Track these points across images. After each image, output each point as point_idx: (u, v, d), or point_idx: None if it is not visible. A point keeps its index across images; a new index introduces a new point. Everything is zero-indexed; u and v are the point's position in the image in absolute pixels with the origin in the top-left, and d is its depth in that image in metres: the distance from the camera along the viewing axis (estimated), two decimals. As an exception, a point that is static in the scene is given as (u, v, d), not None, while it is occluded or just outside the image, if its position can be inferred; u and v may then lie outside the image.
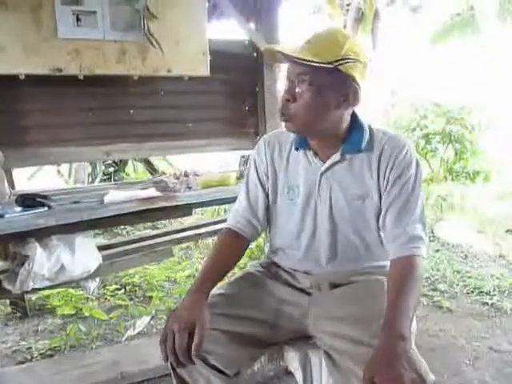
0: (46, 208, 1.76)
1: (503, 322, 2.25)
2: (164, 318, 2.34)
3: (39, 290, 1.84)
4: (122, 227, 3.97)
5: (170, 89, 2.46)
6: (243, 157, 2.34)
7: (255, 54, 2.67)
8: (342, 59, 0.98)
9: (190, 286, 1.10)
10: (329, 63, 0.97)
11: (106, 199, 1.89)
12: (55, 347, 2.08)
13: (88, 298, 2.53)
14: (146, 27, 2.09)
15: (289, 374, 1.54)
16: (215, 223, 2.77)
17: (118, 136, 2.39)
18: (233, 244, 1.20)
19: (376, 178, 1.08)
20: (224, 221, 2.76)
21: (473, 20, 7.36)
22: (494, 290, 2.61)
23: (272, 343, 1.15)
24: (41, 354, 2.04)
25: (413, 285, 0.98)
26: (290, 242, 1.19)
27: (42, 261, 1.64)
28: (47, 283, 1.74)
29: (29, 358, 2.03)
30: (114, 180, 4.74)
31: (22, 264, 1.66)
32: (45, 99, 2.21)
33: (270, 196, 1.20)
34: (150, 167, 4.99)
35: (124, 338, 2.17)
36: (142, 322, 2.29)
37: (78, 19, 1.98)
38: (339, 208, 1.12)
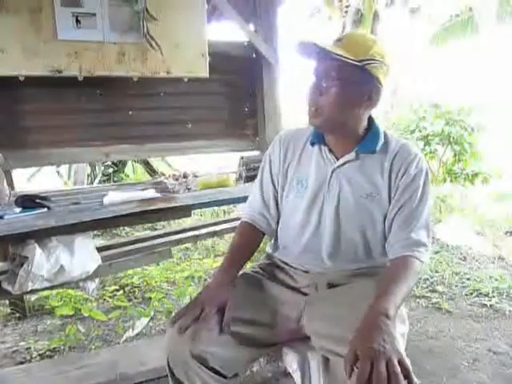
0: (45, 209, 1.77)
1: (502, 324, 2.25)
2: (163, 318, 2.35)
3: (38, 290, 1.84)
4: (122, 228, 3.97)
5: (170, 90, 2.47)
6: (242, 158, 2.34)
7: (254, 56, 2.68)
8: (369, 59, 1.03)
9: (216, 269, 1.20)
10: (358, 61, 1.01)
11: (106, 200, 1.89)
12: (54, 348, 2.08)
13: (87, 298, 2.53)
14: (145, 29, 2.09)
15: (287, 375, 1.53)
16: (214, 224, 2.77)
17: (117, 137, 2.40)
18: (250, 235, 1.26)
19: (387, 180, 1.11)
20: (223, 222, 2.80)
21: (472, 21, 7.37)
22: (493, 291, 2.61)
23: (270, 344, 1.16)
24: (40, 355, 2.04)
25: (404, 280, 1.02)
26: (293, 235, 1.21)
27: (41, 262, 1.64)
28: (46, 284, 1.74)
29: (28, 358, 2.03)
30: (114, 181, 4.74)
31: (22, 265, 1.66)
32: (44, 100, 2.22)
33: (279, 191, 1.24)
34: (149, 168, 5.00)
35: (123, 339, 2.17)
36: (140, 323, 2.29)
37: (77, 21, 1.99)
38: (346, 205, 1.14)
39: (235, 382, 1.10)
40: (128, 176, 5.13)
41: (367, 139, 1.13)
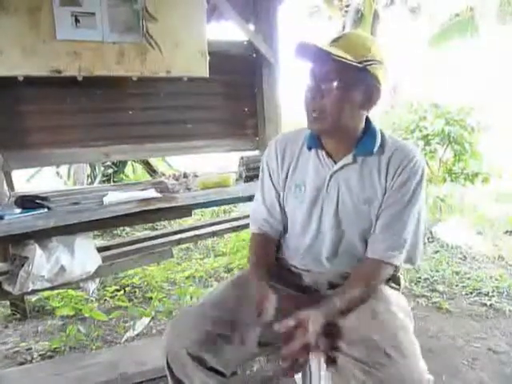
0: (45, 209, 1.77)
1: (502, 323, 2.26)
2: (164, 319, 2.34)
3: (39, 291, 1.85)
4: (122, 229, 3.97)
5: (170, 90, 2.47)
6: (242, 158, 2.34)
7: (254, 55, 2.68)
8: (370, 60, 1.01)
9: (251, 276, 1.18)
10: (359, 62, 0.99)
11: (106, 200, 1.89)
12: (55, 348, 2.08)
13: (88, 299, 2.53)
14: (144, 28, 2.09)
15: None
16: (214, 224, 2.78)
17: (117, 137, 2.40)
18: (264, 244, 1.25)
19: (384, 182, 1.10)
20: (223, 222, 2.79)
21: (472, 21, 7.37)
22: (493, 291, 2.61)
23: (269, 343, 1.16)
24: (41, 355, 2.04)
25: (368, 290, 1.08)
26: (296, 237, 1.21)
27: (42, 262, 1.64)
28: (47, 284, 1.74)
29: (29, 359, 2.02)
30: (114, 181, 4.74)
31: (22, 265, 1.66)
32: (44, 101, 2.22)
33: (280, 195, 1.23)
34: (150, 168, 4.99)
35: (124, 339, 2.17)
36: (141, 323, 2.29)
37: (76, 21, 1.99)
38: (345, 209, 1.13)
39: (235, 380, 1.10)
40: (128, 176, 5.13)
41: (364, 141, 1.12)
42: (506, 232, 3.81)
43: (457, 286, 2.73)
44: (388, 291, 1.15)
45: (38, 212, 1.73)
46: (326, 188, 1.14)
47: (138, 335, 2.21)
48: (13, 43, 1.88)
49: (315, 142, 1.16)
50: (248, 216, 1.40)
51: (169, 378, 1.06)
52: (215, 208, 4.35)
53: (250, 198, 1.33)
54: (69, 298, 2.49)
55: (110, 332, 2.25)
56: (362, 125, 1.12)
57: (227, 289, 1.21)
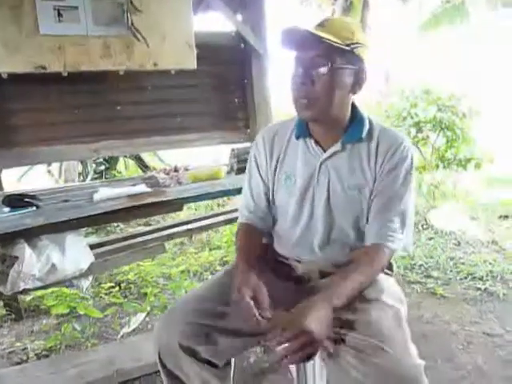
0: (34, 208, 1.75)
1: (496, 307, 2.28)
2: (159, 314, 2.34)
3: (31, 290, 1.83)
4: (116, 225, 3.95)
5: (157, 83, 2.43)
6: (233, 150, 2.32)
7: (243, 46, 2.65)
8: (356, 43, 1.01)
9: (234, 267, 1.16)
10: (346, 45, 0.99)
11: (96, 197, 1.87)
12: (51, 347, 2.07)
13: (83, 296, 2.52)
14: (129, 21, 2.05)
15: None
16: (208, 218, 2.77)
17: (105, 133, 2.37)
18: (250, 234, 1.23)
19: (373, 168, 1.09)
20: (217, 215, 2.78)
21: (463, 7, 7.34)
22: (487, 275, 2.63)
23: (262, 333, 1.15)
24: (36, 355, 2.03)
25: (366, 276, 1.03)
26: (287, 228, 1.20)
27: (32, 261, 1.62)
28: (39, 283, 1.72)
29: (24, 358, 2.02)
30: (106, 178, 4.70)
31: (12, 265, 1.64)
32: (30, 98, 2.18)
33: (270, 186, 1.22)
34: (142, 164, 4.96)
35: (119, 336, 2.17)
36: (137, 319, 2.28)
37: (59, 15, 1.94)
38: (336, 196, 1.12)
39: (228, 370, 1.10)
40: (120, 173, 5.09)
41: (353, 128, 1.11)
42: (500, 217, 3.84)
43: (451, 271, 2.74)
44: (380, 277, 1.14)
45: (27, 211, 1.71)
46: (316, 177, 1.13)
47: (133, 331, 2.21)
48: (-6, 40, 1.84)
49: (303, 130, 1.15)
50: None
51: (161, 372, 1.06)
52: (209, 202, 4.33)
53: (242, 191, 1.32)
54: (63, 296, 2.47)
55: (105, 329, 2.25)
56: (349, 111, 1.12)
57: (218, 280, 1.20)
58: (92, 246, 2.04)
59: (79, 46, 2.00)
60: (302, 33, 0.98)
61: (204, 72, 2.48)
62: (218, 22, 2.81)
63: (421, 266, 2.82)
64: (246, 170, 1.28)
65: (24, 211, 1.71)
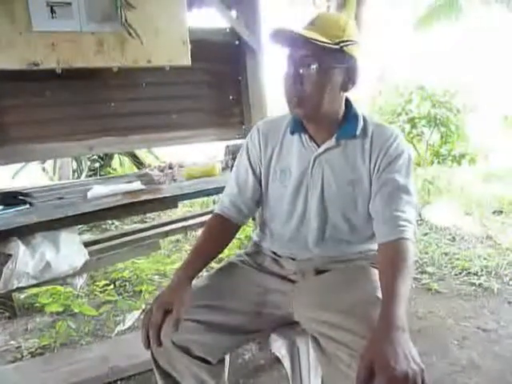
0: (27, 205, 1.74)
1: (490, 302, 2.29)
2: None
3: (25, 288, 1.82)
4: (111, 222, 3.94)
5: (152, 80, 2.42)
6: (227, 146, 2.32)
7: (237, 42, 2.64)
8: (345, 40, 1.00)
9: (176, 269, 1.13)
10: (335, 44, 0.99)
11: (90, 194, 1.87)
12: (45, 345, 2.06)
13: (77, 294, 2.51)
14: (123, 17, 2.03)
15: (278, 361, 1.54)
16: (203, 215, 2.76)
17: (100, 130, 2.35)
18: (220, 228, 1.22)
19: (368, 164, 1.09)
20: (211, 212, 2.77)
21: (457, 3, 7.35)
22: (482, 270, 2.64)
23: (256, 330, 1.16)
24: (31, 353, 2.02)
25: (406, 271, 0.96)
26: (281, 224, 1.20)
27: (26, 259, 1.61)
28: (32, 281, 1.72)
29: (19, 357, 2.01)
30: (100, 175, 4.68)
31: (6, 263, 1.63)
32: (23, 95, 2.15)
33: (262, 181, 1.21)
34: (137, 161, 4.93)
35: (114, 333, 2.16)
36: (131, 317, 2.28)
37: (52, 11, 1.92)
38: (330, 192, 1.12)
39: (221, 367, 1.10)
40: (115, 170, 5.07)
41: (347, 124, 1.11)
42: (494, 212, 3.86)
43: (446, 266, 2.76)
44: (373, 272, 1.13)
45: (20, 208, 1.70)
46: (310, 172, 1.13)
47: (128, 328, 2.21)
48: (-14, 36, 1.82)
49: (298, 126, 1.15)
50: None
51: (155, 370, 1.05)
52: (204, 199, 4.32)
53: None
54: (58, 294, 2.47)
55: (100, 327, 2.24)
56: (343, 107, 1.11)
57: (212, 277, 1.20)
58: (86, 244, 2.03)
59: (72, 42, 1.97)
60: (289, 33, 0.98)
61: (198, 68, 2.46)
62: (212, 19, 2.79)
63: (415, 261, 2.83)
64: (237, 158, 1.27)
65: (18, 209, 1.70)
